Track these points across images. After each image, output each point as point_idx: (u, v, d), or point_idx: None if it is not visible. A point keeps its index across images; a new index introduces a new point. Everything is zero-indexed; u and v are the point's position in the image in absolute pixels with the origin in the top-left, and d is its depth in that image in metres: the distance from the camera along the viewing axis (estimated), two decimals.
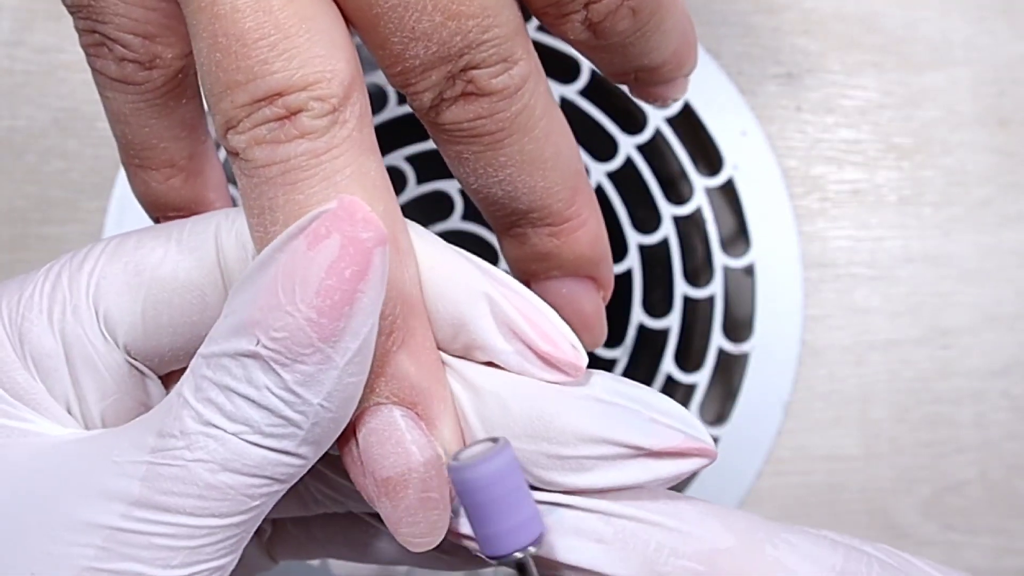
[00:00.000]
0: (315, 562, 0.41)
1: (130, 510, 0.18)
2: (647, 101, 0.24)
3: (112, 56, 0.21)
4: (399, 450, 0.20)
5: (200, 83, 0.19)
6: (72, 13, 0.21)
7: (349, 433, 0.20)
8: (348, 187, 0.19)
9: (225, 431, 0.18)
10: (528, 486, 0.20)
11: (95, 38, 0.21)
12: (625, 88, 0.24)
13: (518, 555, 0.19)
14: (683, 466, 0.20)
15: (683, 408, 0.20)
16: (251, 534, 0.20)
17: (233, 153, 0.19)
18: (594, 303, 0.24)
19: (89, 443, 0.20)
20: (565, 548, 0.20)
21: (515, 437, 0.20)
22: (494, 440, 0.20)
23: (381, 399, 0.20)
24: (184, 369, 0.22)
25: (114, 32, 0.21)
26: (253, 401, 0.18)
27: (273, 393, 0.18)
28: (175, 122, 0.23)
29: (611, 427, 0.20)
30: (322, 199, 0.19)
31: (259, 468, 0.19)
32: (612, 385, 0.20)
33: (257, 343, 0.18)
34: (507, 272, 0.21)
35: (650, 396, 0.20)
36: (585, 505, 0.20)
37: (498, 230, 0.23)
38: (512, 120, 0.20)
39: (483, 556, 0.20)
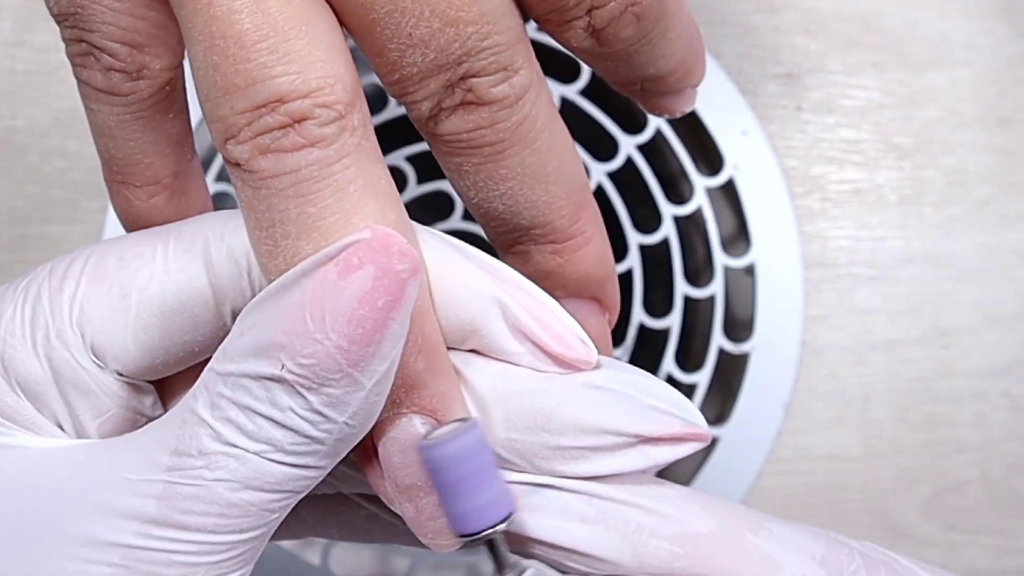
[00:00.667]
0: (314, 561, 0.41)
1: (147, 528, 0.18)
2: (655, 113, 0.23)
3: (99, 66, 0.21)
4: (420, 459, 0.20)
5: (196, 89, 0.19)
6: (59, 22, 0.21)
7: (367, 440, 0.20)
8: (361, 198, 0.18)
9: (247, 451, 0.18)
10: (496, 467, 0.20)
11: (82, 47, 0.21)
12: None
13: (488, 533, 0.20)
14: (679, 451, 0.20)
15: (678, 392, 0.20)
16: (267, 541, 0.20)
17: (234, 164, 0.18)
18: (599, 326, 0.23)
19: (91, 457, 0.19)
20: (550, 528, 0.20)
21: (515, 430, 0.20)
22: (463, 420, 0.20)
23: (402, 410, 0.20)
24: (177, 376, 0.22)
25: (101, 41, 0.20)
26: (276, 422, 0.18)
27: (297, 414, 0.18)
28: (160, 137, 0.22)
29: (610, 417, 0.20)
30: (336, 211, 0.18)
31: (280, 484, 0.19)
32: (609, 372, 0.20)
33: (282, 367, 0.18)
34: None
35: (646, 381, 0.20)
36: (569, 486, 0.20)
37: (500, 248, 0.23)
38: (513, 131, 0.20)
39: (455, 536, 0.20)
